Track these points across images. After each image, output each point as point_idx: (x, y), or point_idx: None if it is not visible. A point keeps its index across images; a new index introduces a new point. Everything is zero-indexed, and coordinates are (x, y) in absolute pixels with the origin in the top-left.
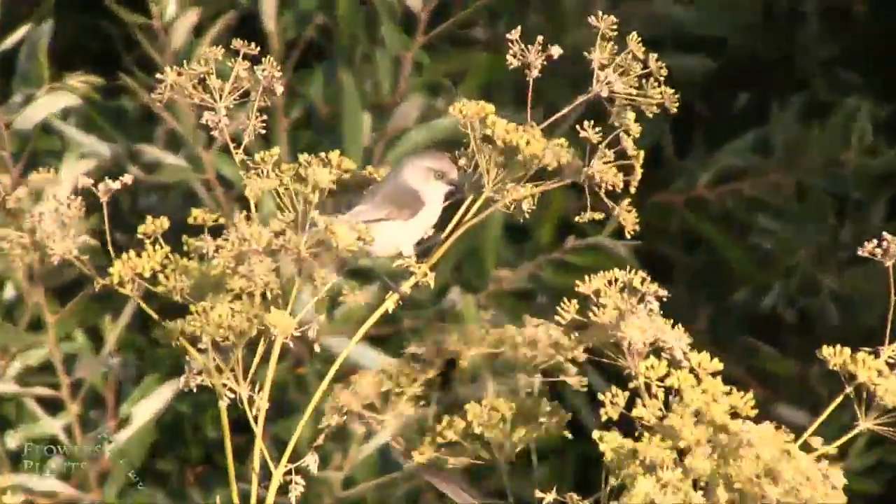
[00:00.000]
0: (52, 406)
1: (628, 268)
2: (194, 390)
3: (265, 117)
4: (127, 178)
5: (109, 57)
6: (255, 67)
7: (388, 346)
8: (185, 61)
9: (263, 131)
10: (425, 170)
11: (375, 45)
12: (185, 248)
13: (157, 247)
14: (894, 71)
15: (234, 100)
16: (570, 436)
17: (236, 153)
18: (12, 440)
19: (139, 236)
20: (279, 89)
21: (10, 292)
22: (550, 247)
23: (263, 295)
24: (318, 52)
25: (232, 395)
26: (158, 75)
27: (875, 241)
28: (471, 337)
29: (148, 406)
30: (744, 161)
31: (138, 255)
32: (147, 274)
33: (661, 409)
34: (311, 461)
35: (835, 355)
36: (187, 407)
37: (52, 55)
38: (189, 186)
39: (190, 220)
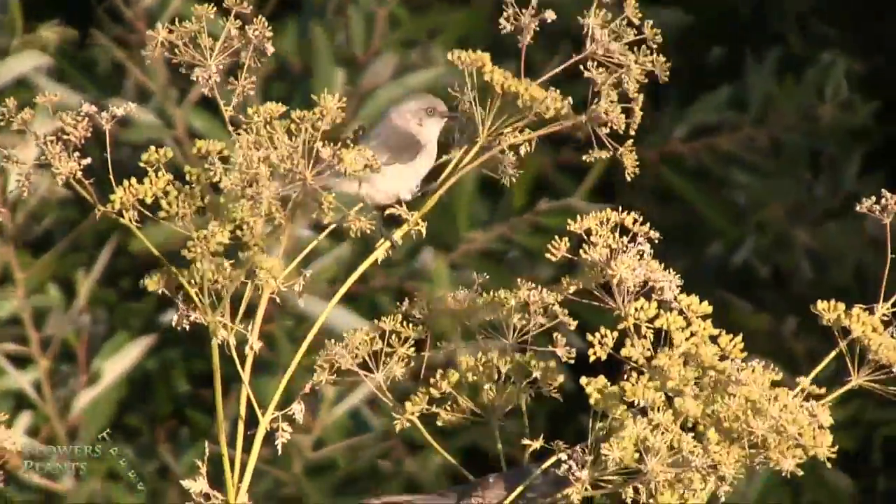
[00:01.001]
0: (21, 361)
1: (619, 209)
2: (186, 329)
3: (254, 78)
4: (131, 106)
5: (81, 7)
6: (246, 27)
7: (358, 305)
8: (159, 17)
9: (252, 91)
10: (415, 111)
11: (349, 1)
12: (188, 177)
13: (160, 174)
14: (869, 25)
15: (223, 59)
16: (560, 398)
17: (226, 111)
18: None
19: (141, 164)
20: (270, 49)
21: None
22: (523, 208)
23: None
24: (291, 4)
25: (225, 334)
26: (150, 32)
27: (874, 198)
28: (461, 301)
29: (118, 362)
30: (718, 116)
31: (140, 181)
32: (149, 200)
33: (650, 350)
34: (297, 409)
35: (829, 310)
36: (155, 364)
37: (24, 6)
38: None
39: (194, 151)
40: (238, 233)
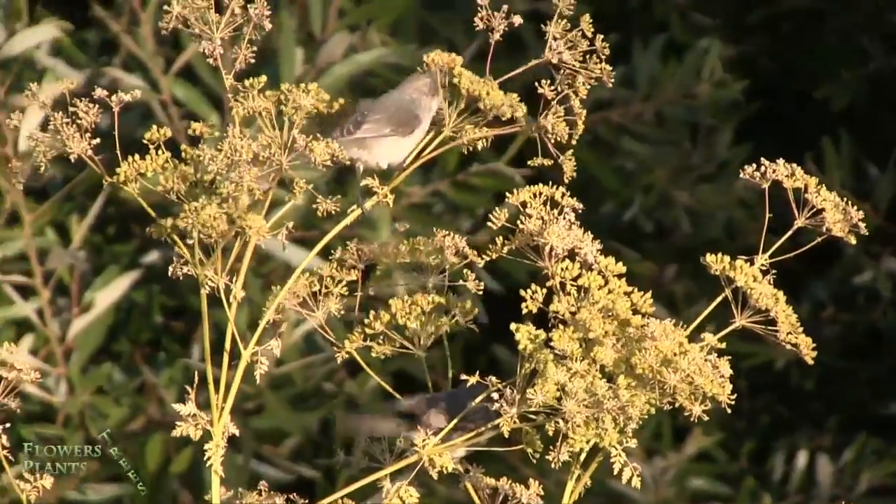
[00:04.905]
0: (26, 292)
1: (550, 183)
2: (180, 278)
3: (254, 49)
4: (136, 93)
5: None
6: (248, 6)
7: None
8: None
9: (253, 60)
10: (425, 86)
11: None
12: (183, 155)
13: (159, 152)
14: (740, 15)
15: (229, 32)
16: (475, 328)
17: (227, 78)
18: None
19: (144, 142)
20: (267, 25)
21: None
22: (455, 171)
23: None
24: None
25: (213, 285)
26: (165, 6)
27: (755, 165)
28: (388, 246)
29: (107, 294)
30: (611, 93)
31: (142, 158)
32: (150, 174)
33: (574, 305)
34: (274, 345)
35: (717, 262)
36: (140, 296)
37: None
38: (145, 107)
39: (190, 132)
40: (224, 206)
